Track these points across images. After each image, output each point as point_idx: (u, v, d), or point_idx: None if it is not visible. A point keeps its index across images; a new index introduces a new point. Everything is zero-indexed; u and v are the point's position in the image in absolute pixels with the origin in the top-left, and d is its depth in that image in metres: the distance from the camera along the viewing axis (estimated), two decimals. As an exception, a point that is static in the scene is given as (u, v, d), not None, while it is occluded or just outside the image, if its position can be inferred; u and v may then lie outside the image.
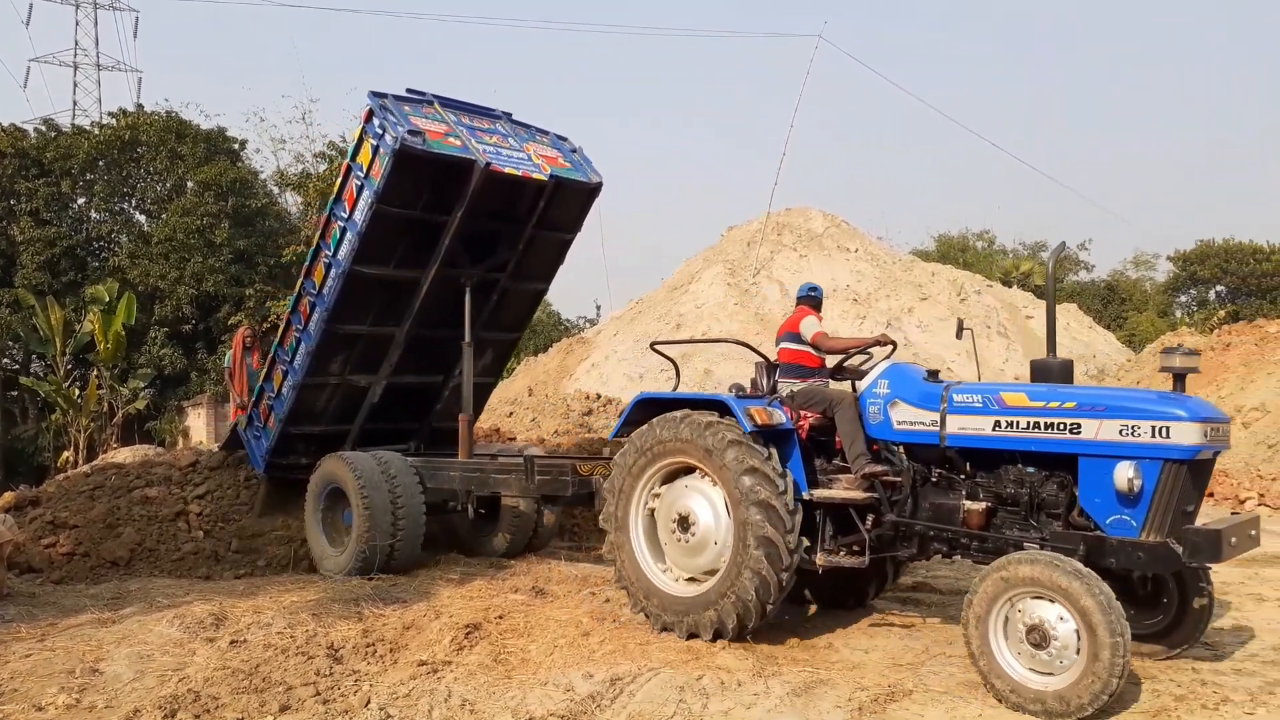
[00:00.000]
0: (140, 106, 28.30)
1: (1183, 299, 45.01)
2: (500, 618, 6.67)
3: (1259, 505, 11.22)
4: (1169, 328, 30.73)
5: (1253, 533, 5.13)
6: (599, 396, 18.48)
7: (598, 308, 34.61)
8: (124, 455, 12.33)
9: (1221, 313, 35.39)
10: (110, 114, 29.05)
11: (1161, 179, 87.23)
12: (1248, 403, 15.16)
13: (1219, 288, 43.29)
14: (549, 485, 7.67)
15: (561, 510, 9.53)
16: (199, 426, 22.31)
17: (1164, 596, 5.51)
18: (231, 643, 6.08)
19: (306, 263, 8.37)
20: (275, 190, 27.72)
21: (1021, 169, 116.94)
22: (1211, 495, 10.79)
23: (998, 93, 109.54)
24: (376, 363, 8.90)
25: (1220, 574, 6.78)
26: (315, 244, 8.25)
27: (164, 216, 25.01)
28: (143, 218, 27.22)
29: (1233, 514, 5.28)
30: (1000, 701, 4.75)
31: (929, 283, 24.34)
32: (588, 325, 29.83)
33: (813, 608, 7.00)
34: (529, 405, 17.22)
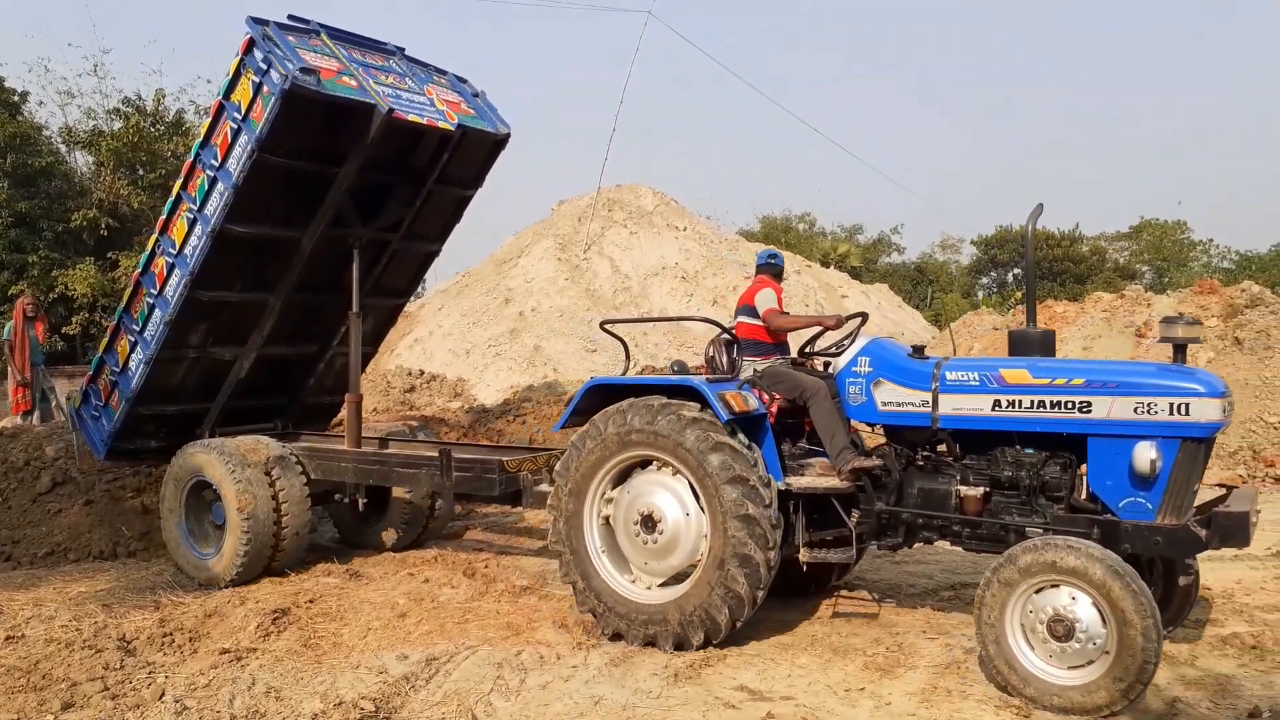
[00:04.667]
0: (-100, 50, 25.28)
1: (984, 280, 48.50)
2: (311, 602, 6.46)
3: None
4: (971, 308, 33.02)
5: (1258, 509, 4.82)
6: (422, 373, 18.05)
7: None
8: (-119, 437, 11.06)
9: (1018, 294, 38.32)
10: None
11: (969, 167, 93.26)
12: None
13: (1016, 271, 46.82)
14: (470, 483, 6.76)
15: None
16: (-25, 406, 20.31)
17: (1150, 575, 5.13)
18: (7, 639, 5.64)
19: (164, 216, 7.26)
20: (63, 148, 25.37)
21: (841, 155, 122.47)
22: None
23: (825, 78, 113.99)
24: (245, 333, 7.85)
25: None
26: (175, 195, 7.16)
27: (-70, 174, 22.55)
28: (-96, 174, 24.48)
29: (1225, 489, 5.13)
30: (1017, 697, 4.41)
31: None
32: (412, 299, 29.01)
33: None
34: (349, 381, 16.57)
